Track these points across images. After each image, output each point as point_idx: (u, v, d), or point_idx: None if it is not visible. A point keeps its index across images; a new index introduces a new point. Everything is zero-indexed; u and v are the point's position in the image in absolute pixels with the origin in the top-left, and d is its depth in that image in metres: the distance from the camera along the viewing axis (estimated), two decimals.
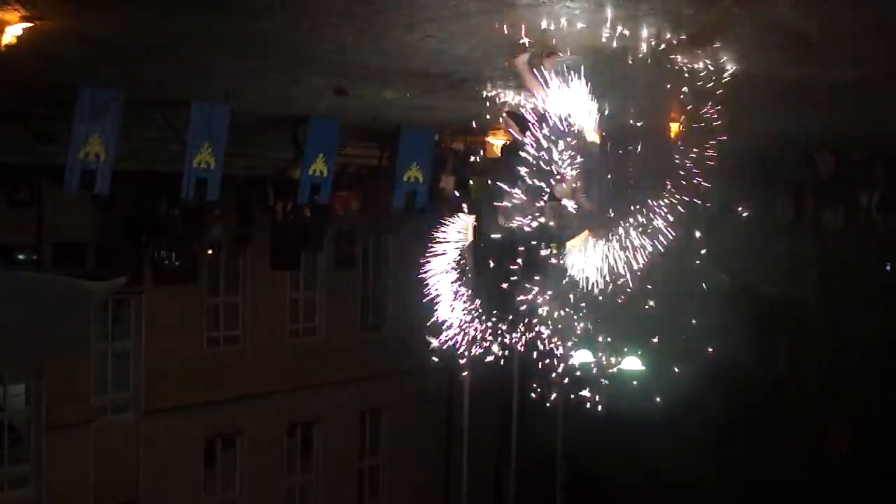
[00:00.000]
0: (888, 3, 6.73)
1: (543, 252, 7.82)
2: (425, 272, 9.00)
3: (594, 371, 9.80)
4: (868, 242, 16.37)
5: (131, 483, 16.57)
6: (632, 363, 11.47)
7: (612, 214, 8.13)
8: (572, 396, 9.29)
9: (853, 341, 19.23)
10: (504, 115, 8.19)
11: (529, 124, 7.51)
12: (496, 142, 13.27)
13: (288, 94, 11.12)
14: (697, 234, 9.11)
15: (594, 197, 7.90)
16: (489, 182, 8.44)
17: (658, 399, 10.75)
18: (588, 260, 8.30)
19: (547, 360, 9.46)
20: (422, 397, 20.62)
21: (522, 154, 7.45)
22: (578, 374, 9.68)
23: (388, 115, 12.36)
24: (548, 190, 7.54)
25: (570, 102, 7.51)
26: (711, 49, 7.89)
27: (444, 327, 8.76)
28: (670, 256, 8.33)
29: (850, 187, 15.14)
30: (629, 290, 8.54)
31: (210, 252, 16.44)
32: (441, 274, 8.88)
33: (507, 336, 8.68)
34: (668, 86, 8.02)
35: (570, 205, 7.69)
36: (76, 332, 14.98)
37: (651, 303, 8.84)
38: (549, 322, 8.74)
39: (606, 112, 7.95)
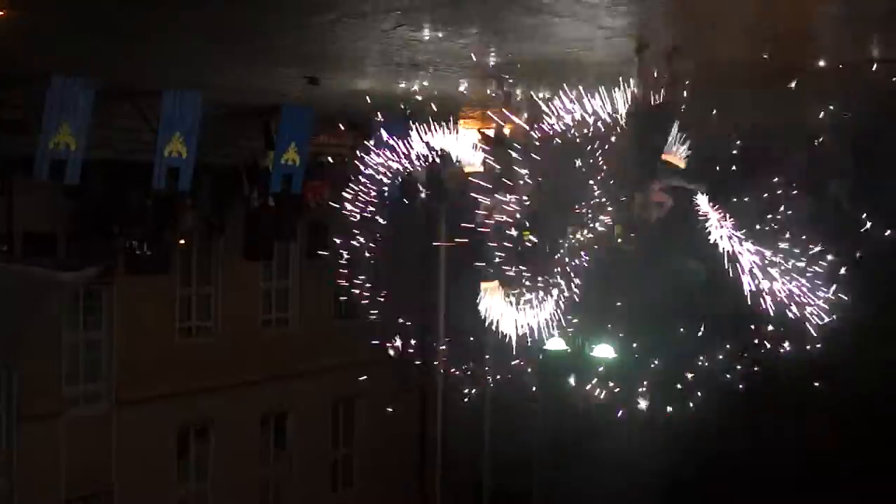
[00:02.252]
0: None
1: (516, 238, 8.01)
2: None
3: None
4: (838, 231, 16.47)
5: (104, 473, 16.50)
6: (604, 351, 11.51)
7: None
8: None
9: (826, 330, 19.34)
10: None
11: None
12: (469, 132, 13.31)
13: (260, 83, 11.11)
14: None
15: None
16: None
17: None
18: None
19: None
20: (395, 387, 20.62)
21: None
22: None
23: (361, 104, 12.36)
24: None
25: None
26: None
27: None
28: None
29: (818, 176, 15.23)
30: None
31: (182, 242, 16.36)
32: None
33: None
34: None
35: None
36: (47, 324, 14.91)
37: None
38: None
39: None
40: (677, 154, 8.16)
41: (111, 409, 16.73)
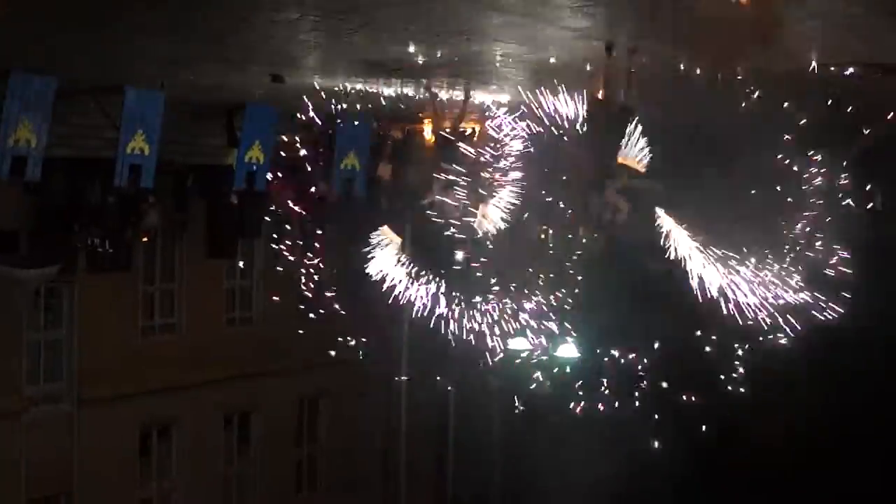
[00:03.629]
0: None
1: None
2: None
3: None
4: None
5: (65, 473, 16.36)
6: (567, 350, 11.56)
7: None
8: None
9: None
10: None
11: None
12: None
13: (224, 81, 11.05)
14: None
15: None
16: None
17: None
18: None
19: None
20: (360, 386, 20.61)
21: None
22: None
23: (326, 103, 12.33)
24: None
25: None
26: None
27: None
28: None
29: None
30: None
31: (145, 239, 16.23)
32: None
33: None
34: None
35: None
36: (8, 322, 14.78)
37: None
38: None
39: None
40: (636, 159, 8.18)
41: (73, 409, 16.58)
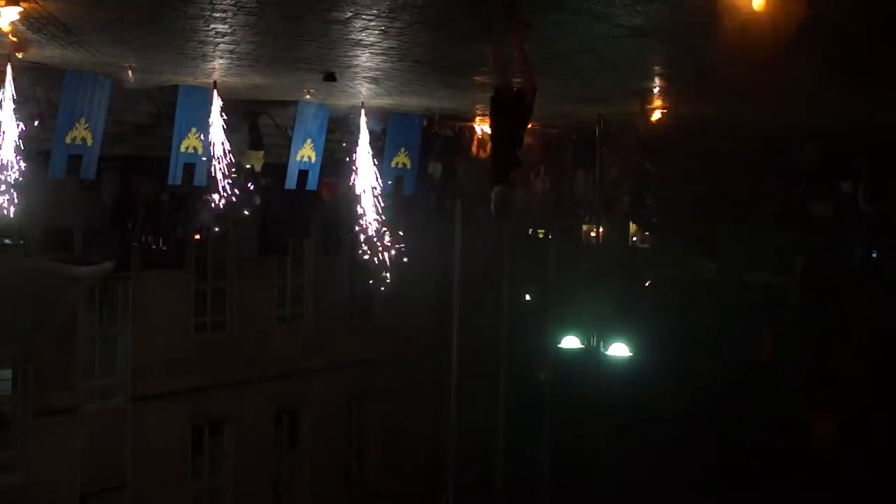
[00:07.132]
0: None
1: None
2: None
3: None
4: (854, 231, 16.45)
5: (118, 468, 16.54)
6: (619, 349, 11.51)
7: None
8: None
9: (840, 329, 19.33)
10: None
11: None
12: (483, 128, 13.33)
13: (279, 81, 11.11)
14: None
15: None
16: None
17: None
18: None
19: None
20: (409, 384, 20.64)
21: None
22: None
23: (376, 101, 12.37)
24: None
25: None
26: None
27: None
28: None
29: (836, 177, 15.20)
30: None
31: (198, 237, 16.37)
32: None
33: None
34: None
35: None
36: (63, 318, 14.95)
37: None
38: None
39: None
40: None
41: (127, 404, 16.76)
